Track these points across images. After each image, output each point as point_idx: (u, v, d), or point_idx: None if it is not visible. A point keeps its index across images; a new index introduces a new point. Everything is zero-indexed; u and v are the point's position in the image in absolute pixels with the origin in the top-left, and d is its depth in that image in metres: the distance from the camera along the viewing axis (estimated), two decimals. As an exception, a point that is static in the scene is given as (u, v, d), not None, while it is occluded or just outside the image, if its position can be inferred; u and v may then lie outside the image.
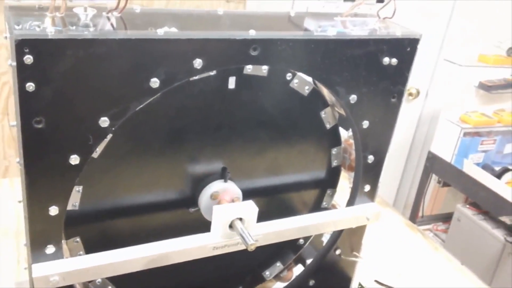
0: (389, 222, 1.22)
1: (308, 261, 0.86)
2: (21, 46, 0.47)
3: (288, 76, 0.69)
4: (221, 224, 0.64)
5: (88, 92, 0.53)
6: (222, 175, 0.69)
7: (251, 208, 0.66)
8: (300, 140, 0.75)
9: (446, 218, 2.39)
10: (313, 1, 1.83)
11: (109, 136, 0.59)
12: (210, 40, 0.56)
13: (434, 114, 2.29)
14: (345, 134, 0.79)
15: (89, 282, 0.68)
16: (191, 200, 0.70)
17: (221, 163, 0.70)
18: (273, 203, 0.78)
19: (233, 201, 0.69)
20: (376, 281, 0.99)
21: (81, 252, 0.66)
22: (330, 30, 0.65)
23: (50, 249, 0.58)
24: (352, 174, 0.79)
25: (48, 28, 0.49)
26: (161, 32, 0.54)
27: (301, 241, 0.85)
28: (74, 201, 0.62)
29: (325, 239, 0.85)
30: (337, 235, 0.82)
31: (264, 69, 0.66)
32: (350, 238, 0.83)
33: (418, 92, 2.26)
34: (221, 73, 0.64)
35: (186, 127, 0.66)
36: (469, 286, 1.04)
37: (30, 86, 0.49)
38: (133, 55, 0.53)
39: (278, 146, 0.74)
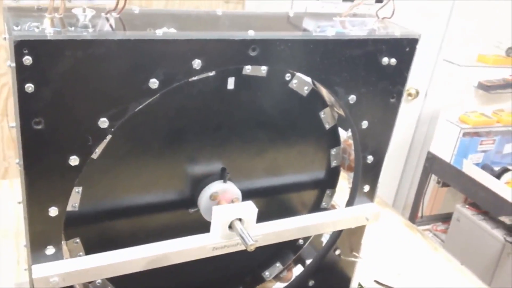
0: (388, 223, 1.22)
1: (308, 262, 0.86)
2: (20, 47, 0.47)
3: (287, 76, 0.69)
4: (221, 224, 0.64)
5: (87, 93, 0.53)
6: (222, 175, 0.69)
7: (250, 208, 0.66)
8: (299, 140, 0.75)
9: (446, 218, 2.39)
10: (312, 1, 1.83)
11: (109, 137, 0.59)
12: (209, 40, 0.56)
13: (433, 114, 2.29)
14: (344, 134, 0.79)
15: (89, 283, 0.68)
16: (191, 200, 0.70)
17: (220, 164, 0.70)
18: (272, 203, 0.78)
19: (232, 201, 0.69)
20: (375, 281, 0.99)
21: (81, 253, 0.66)
22: (329, 30, 0.65)
23: (50, 250, 0.58)
24: (352, 174, 0.79)
25: (47, 29, 0.49)
26: (160, 32, 0.54)
27: (301, 241, 0.85)
28: (74, 202, 0.62)
29: (325, 239, 0.85)
30: (336, 236, 0.82)
31: (263, 70, 0.66)
32: (350, 238, 0.83)
33: (417, 92, 2.26)
34: (220, 73, 0.64)
35: (185, 127, 0.66)
36: (468, 286, 1.04)
37: (29, 87, 0.49)
38: (132, 55, 0.53)
39: (277, 147, 0.74)
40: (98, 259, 0.61)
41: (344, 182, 0.83)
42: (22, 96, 0.49)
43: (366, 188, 0.78)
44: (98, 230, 0.67)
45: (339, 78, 0.67)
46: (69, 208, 0.60)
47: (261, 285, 0.87)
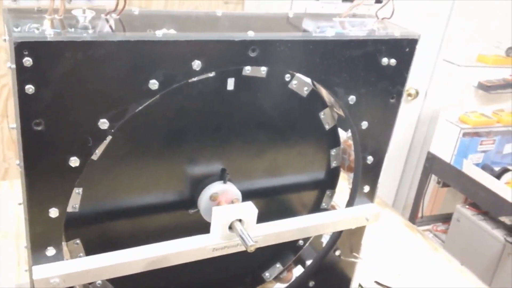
0: (388, 223, 1.22)
1: (308, 262, 0.86)
2: (21, 48, 0.47)
3: (287, 77, 0.69)
4: (221, 225, 0.64)
5: (87, 94, 0.53)
6: (222, 176, 0.69)
7: (250, 209, 0.66)
8: (299, 141, 0.75)
9: (446, 218, 2.39)
10: (312, 2, 1.83)
11: (109, 138, 0.59)
12: (209, 41, 0.57)
13: (433, 114, 2.29)
14: (344, 135, 0.79)
15: (90, 283, 0.68)
16: (191, 201, 0.70)
17: (220, 165, 0.70)
18: (272, 204, 0.78)
19: (232, 202, 0.69)
20: (376, 281, 0.99)
21: (81, 254, 0.66)
22: (329, 31, 0.65)
23: (51, 251, 0.58)
24: (351, 175, 0.79)
25: (47, 31, 0.50)
26: (160, 33, 0.54)
27: (301, 242, 0.85)
28: (74, 203, 0.62)
29: (325, 240, 0.85)
30: (336, 236, 0.82)
31: (263, 70, 0.67)
32: (350, 239, 0.83)
33: (417, 93, 2.26)
34: (220, 74, 0.64)
35: (185, 128, 0.66)
36: (469, 286, 1.04)
37: (30, 88, 0.49)
38: (132, 57, 0.53)
39: (277, 147, 0.74)
40: (99, 260, 0.61)
41: (344, 182, 0.83)
42: (23, 98, 0.50)
43: (366, 188, 0.78)
44: (98, 231, 0.67)
45: (339, 79, 0.67)
46: (69, 209, 0.60)
47: (261, 286, 0.87)
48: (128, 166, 0.64)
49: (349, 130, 0.76)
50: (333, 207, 0.84)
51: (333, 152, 0.79)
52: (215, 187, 0.69)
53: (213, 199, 0.68)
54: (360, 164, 0.76)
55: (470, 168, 2.04)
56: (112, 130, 0.56)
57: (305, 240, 0.85)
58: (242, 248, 0.66)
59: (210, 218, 0.65)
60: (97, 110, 0.54)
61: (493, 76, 2.12)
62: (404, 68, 0.71)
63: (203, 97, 0.65)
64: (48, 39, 0.49)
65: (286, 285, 0.86)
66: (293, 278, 0.87)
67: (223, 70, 0.62)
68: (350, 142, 0.77)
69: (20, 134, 0.51)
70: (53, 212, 0.56)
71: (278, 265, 0.85)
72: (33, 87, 0.49)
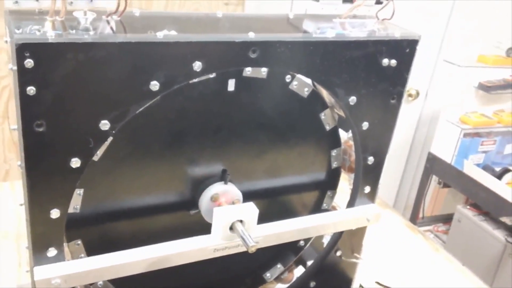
0: (389, 224, 1.22)
1: (309, 263, 0.87)
2: (22, 50, 0.48)
3: (288, 78, 0.70)
4: (222, 226, 0.65)
5: (89, 95, 0.53)
6: (222, 177, 0.70)
7: (251, 210, 0.66)
8: (299, 142, 0.75)
9: (447, 219, 2.38)
10: (312, 3, 1.83)
11: (110, 139, 0.59)
12: (210, 42, 0.57)
13: (433, 115, 2.29)
14: (344, 135, 0.79)
15: (91, 284, 0.68)
16: (192, 202, 0.70)
17: (221, 165, 0.70)
18: (273, 205, 0.78)
19: (233, 203, 0.69)
20: (377, 282, 0.99)
21: (82, 255, 0.66)
22: (329, 32, 0.65)
23: (52, 252, 0.58)
24: (352, 175, 0.79)
25: (48, 32, 0.50)
26: (161, 35, 0.54)
27: (302, 242, 0.85)
28: (75, 204, 0.62)
29: (326, 240, 0.85)
30: (337, 237, 0.82)
31: (264, 71, 0.67)
32: (351, 239, 0.83)
33: (417, 93, 2.26)
34: (221, 75, 0.64)
35: (186, 129, 0.66)
36: (470, 287, 1.04)
37: (31, 90, 0.49)
38: (133, 58, 0.53)
39: (278, 148, 0.74)
40: (100, 261, 0.61)
41: (345, 183, 0.83)
42: (24, 99, 0.50)
43: (367, 189, 0.78)
44: (99, 232, 0.67)
45: (339, 80, 0.67)
46: (70, 210, 0.60)
47: (262, 287, 0.87)
48: (129, 167, 0.64)
49: (350, 131, 0.76)
50: (334, 208, 0.84)
51: (333, 152, 0.79)
52: (216, 188, 0.69)
53: (214, 200, 0.68)
54: (361, 165, 0.76)
55: (471, 169, 2.04)
56: (113, 131, 0.56)
57: (306, 240, 0.85)
58: (243, 249, 0.66)
59: (211, 219, 0.66)
60: (98, 111, 0.54)
61: (493, 76, 2.12)
62: (405, 68, 0.71)
63: (203, 98, 0.65)
64: (50, 41, 0.49)
65: (287, 285, 0.86)
66: (294, 279, 0.87)
67: (223, 71, 0.62)
68: (351, 142, 0.77)
69: (21, 135, 0.51)
70: (54, 213, 0.56)
71: (279, 265, 0.86)
72: (34, 89, 0.50)
